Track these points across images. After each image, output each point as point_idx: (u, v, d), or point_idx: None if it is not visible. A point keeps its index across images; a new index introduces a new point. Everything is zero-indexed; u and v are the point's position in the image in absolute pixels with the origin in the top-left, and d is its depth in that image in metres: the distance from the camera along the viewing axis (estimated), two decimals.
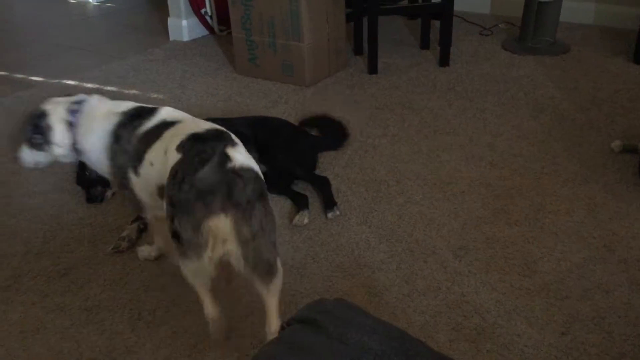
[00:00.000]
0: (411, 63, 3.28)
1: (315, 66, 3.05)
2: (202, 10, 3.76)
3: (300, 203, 2.07)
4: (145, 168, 1.52)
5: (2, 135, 2.64)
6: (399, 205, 2.07)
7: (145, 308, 1.66)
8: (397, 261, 1.80)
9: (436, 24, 3.50)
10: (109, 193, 2.19)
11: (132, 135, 1.56)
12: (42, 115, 1.62)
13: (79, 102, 1.64)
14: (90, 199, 2.16)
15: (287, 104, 2.86)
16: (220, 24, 3.81)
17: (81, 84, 3.18)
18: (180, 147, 1.41)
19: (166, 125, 1.54)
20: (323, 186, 2.14)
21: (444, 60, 3.21)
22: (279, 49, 3.03)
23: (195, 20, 3.80)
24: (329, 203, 2.07)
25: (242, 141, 2.28)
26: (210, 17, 3.79)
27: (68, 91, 3.09)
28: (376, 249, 1.86)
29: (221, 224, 1.27)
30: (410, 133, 2.55)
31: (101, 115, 1.62)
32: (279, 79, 3.09)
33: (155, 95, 3.01)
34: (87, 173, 2.18)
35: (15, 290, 1.74)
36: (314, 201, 2.10)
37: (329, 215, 2.03)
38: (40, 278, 1.79)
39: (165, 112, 1.60)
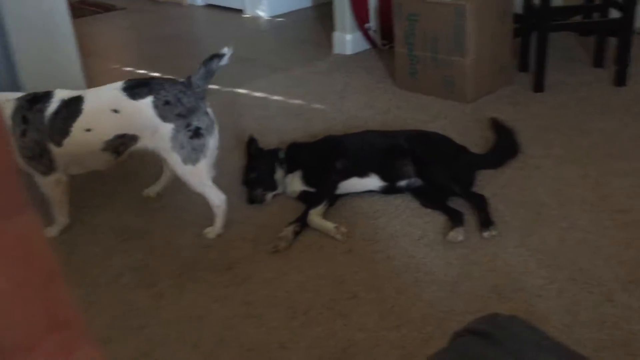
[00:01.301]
0: (582, 82, 3.09)
1: (477, 82, 3.00)
2: (366, 25, 3.85)
3: (455, 219, 2.05)
4: (77, 137, 1.94)
5: None
6: (562, 230, 1.96)
7: (300, 308, 1.74)
8: (557, 289, 1.71)
9: (612, 40, 3.27)
10: (269, 196, 2.31)
11: (42, 117, 1.94)
12: None
13: None
14: (252, 200, 2.29)
15: (446, 120, 2.84)
16: (382, 38, 3.88)
17: (250, 92, 3.40)
18: (139, 94, 1.93)
19: (76, 100, 1.96)
20: (480, 204, 2.09)
21: (620, 80, 2.99)
22: (441, 64, 3.01)
23: (358, 34, 3.91)
24: (485, 222, 2.01)
25: (400, 154, 2.34)
26: (374, 31, 3.87)
27: (239, 99, 3.32)
28: (535, 273, 1.79)
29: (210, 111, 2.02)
30: (577, 155, 2.41)
31: (2, 104, 1.93)
32: (439, 94, 3.08)
33: (317, 106, 3.13)
34: (251, 176, 2.34)
35: (187, 278, 1.90)
36: (470, 219, 2.06)
37: (485, 234, 1.98)
38: (208, 269, 1.94)
39: (61, 93, 1.99)
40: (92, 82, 3.21)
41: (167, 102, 1.94)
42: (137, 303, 1.81)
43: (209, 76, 1.98)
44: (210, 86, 3.51)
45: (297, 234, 2.06)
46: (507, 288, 1.74)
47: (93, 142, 1.96)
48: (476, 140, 2.58)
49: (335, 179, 2.23)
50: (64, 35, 3.03)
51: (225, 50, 1.97)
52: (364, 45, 3.95)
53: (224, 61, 1.97)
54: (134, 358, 1.61)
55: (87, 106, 1.96)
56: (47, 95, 1.99)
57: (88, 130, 1.95)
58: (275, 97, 3.31)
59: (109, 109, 1.95)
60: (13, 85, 2.79)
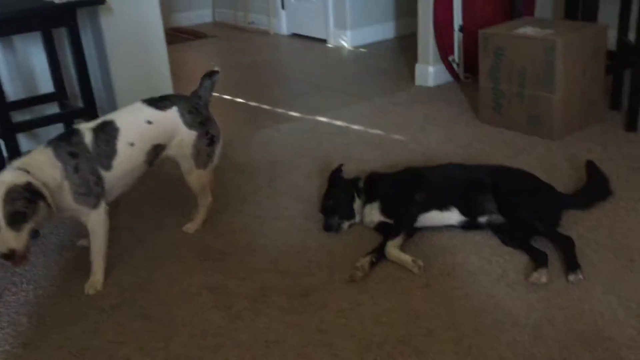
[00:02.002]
0: None
1: (565, 119, 2.91)
2: (450, 58, 3.83)
3: (538, 260, 1.97)
4: (123, 153, 2.04)
5: (263, 161, 2.96)
6: None
7: (375, 340, 1.72)
8: None
9: None
10: (345, 224, 2.31)
11: (85, 146, 1.98)
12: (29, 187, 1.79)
13: (23, 166, 1.85)
14: (327, 228, 2.30)
15: (530, 156, 2.76)
16: (465, 71, 3.84)
17: (331, 121, 3.44)
18: (164, 106, 2.16)
19: (108, 123, 2.06)
20: (566, 246, 2.01)
21: None
22: (527, 99, 2.95)
23: (441, 67, 3.89)
24: (571, 265, 1.93)
25: (482, 189, 2.29)
26: (457, 64, 3.84)
27: (320, 127, 3.36)
28: (624, 323, 1.69)
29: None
30: None
31: (41, 156, 1.91)
32: (523, 129, 3.00)
33: (397, 137, 3.13)
34: (329, 203, 2.35)
35: (263, 303, 1.92)
36: (554, 260, 1.98)
37: (571, 278, 1.89)
38: (284, 295, 1.95)
39: (82, 125, 2.05)
40: None
41: (189, 112, 2.19)
42: (214, 323, 1.85)
43: (210, 88, 2.29)
44: (292, 113, 3.63)
45: (373, 264, 2.05)
46: (593, 336, 1.65)
47: (136, 155, 2.10)
48: (563, 179, 2.49)
49: (415, 211, 2.21)
50: (159, 62, 3.18)
51: (216, 68, 2.31)
52: (446, 77, 3.93)
53: (217, 77, 2.30)
54: None
55: (121, 124, 2.08)
56: (73, 131, 2.03)
57: (132, 144, 2.07)
58: (356, 127, 3.33)
59: (144, 121, 2.12)
60: (110, 107, 2.95)
